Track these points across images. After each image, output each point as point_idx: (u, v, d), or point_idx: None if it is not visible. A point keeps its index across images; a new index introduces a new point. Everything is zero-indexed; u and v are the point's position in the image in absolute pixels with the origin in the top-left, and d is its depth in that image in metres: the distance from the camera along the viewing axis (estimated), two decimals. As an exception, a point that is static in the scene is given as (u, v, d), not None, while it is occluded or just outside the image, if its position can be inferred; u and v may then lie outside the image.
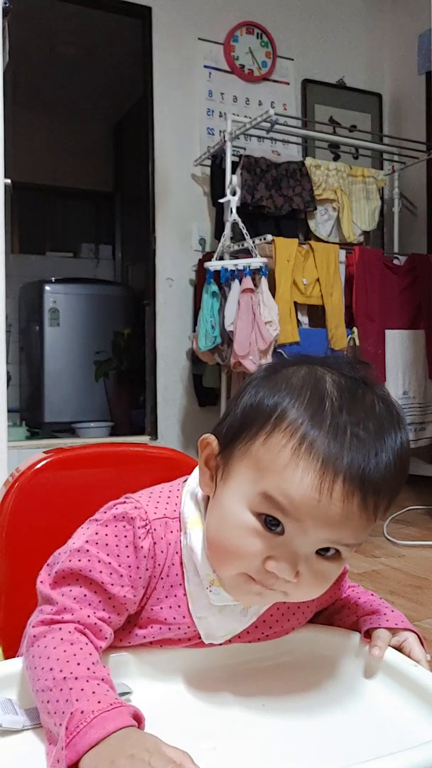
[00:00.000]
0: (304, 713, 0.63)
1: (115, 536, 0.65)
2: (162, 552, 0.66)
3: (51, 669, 0.57)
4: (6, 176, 1.71)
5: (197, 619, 0.67)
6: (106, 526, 0.66)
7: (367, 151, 4.17)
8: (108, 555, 0.64)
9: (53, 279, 4.80)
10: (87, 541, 0.65)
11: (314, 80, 4.24)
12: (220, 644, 0.69)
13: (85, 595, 0.63)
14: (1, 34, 1.80)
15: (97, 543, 0.65)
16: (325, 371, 0.62)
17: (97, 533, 0.65)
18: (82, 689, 0.55)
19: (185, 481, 0.73)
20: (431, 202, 4.13)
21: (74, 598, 0.63)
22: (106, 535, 0.65)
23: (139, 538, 0.65)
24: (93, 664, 0.58)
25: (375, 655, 0.67)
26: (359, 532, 0.59)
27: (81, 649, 0.59)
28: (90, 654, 0.59)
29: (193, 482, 0.70)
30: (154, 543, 0.66)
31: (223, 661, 0.69)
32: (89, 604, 0.63)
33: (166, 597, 0.67)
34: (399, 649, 0.70)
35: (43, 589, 0.65)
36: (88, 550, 0.64)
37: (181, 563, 0.67)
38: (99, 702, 0.53)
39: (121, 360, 4.70)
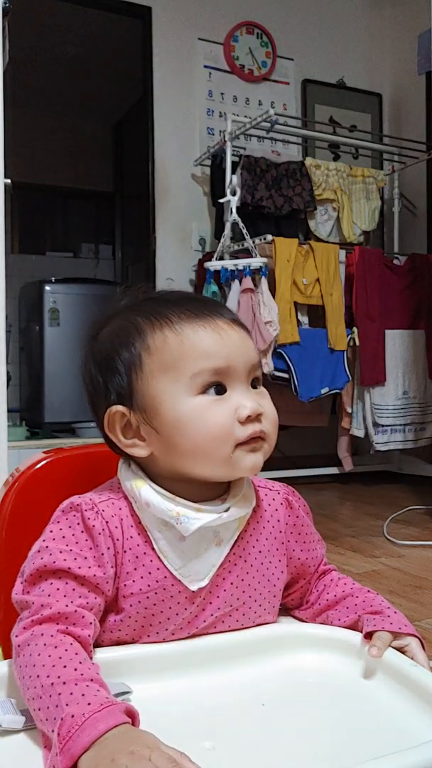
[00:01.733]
0: (303, 713, 0.63)
1: (69, 527, 0.68)
2: (117, 527, 0.68)
3: (38, 676, 0.57)
4: (6, 176, 1.71)
5: (176, 571, 0.68)
6: (58, 522, 0.69)
7: (367, 151, 4.17)
8: (67, 545, 0.66)
9: (53, 279, 4.80)
10: (44, 540, 0.67)
11: (314, 80, 4.24)
12: (206, 586, 0.69)
13: (57, 589, 0.64)
14: (1, 34, 1.80)
15: (53, 539, 0.67)
16: (128, 310, 0.73)
17: (51, 531, 0.68)
18: (71, 693, 0.54)
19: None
20: (431, 202, 4.13)
21: (48, 594, 0.64)
22: (60, 529, 0.68)
23: (89, 519, 0.67)
24: (80, 663, 0.58)
25: (373, 654, 0.67)
26: (254, 354, 0.71)
27: (66, 650, 0.59)
28: (76, 653, 0.59)
29: (123, 464, 0.74)
30: (106, 522, 0.68)
31: (223, 661, 0.69)
32: (64, 595, 0.64)
33: (135, 569, 0.68)
34: (401, 653, 0.70)
35: (17, 598, 0.66)
36: (47, 547, 0.66)
37: (141, 531, 0.69)
38: (89, 704, 0.53)
39: (121, 360, 4.69)
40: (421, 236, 4.12)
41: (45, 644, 0.59)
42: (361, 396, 3.41)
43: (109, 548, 0.67)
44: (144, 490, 0.69)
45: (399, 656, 0.68)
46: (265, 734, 0.59)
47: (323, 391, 3.22)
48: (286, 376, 3.12)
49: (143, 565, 0.68)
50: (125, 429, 0.70)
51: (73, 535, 0.67)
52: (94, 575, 0.66)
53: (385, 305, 3.42)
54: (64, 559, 0.65)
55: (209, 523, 0.68)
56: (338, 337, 3.25)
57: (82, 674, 0.57)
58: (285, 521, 0.76)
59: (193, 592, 0.69)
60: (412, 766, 0.50)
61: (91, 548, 0.67)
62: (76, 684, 0.55)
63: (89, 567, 0.66)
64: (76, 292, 4.75)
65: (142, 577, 0.68)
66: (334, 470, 3.57)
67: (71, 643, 0.60)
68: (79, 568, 0.65)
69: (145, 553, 0.68)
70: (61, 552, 0.66)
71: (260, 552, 0.74)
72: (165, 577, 0.68)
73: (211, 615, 0.71)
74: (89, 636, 0.63)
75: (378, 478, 3.75)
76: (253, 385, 0.70)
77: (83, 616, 0.63)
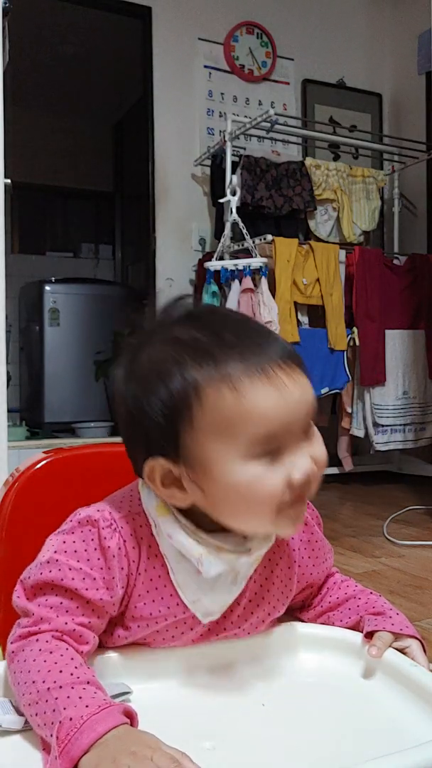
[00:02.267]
0: (303, 713, 0.63)
1: (83, 541, 0.65)
2: (134, 548, 0.66)
3: (34, 682, 0.57)
4: (6, 176, 1.71)
5: (191, 603, 0.66)
6: (72, 533, 0.66)
7: (367, 151, 4.17)
8: (78, 561, 0.64)
9: (53, 279, 4.80)
10: (55, 551, 0.65)
11: (314, 80, 4.25)
12: (216, 620, 0.68)
13: (61, 603, 0.63)
14: (1, 34, 1.80)
15: (65, 551, 0.64)
16: (165, 332, 0.64)
17: (64, 542, 0.65)
18: (68, 696, 0.54)
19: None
20: (431, 202, 4.13)
21: (51, 607, 0.63)
22: (74, 542, 0.65)
23: (105, 538, 0.65)
24: (76, 668, 0.57)
25: (373, 654, 0.67)
26: (312, 399, 0.64)
27: (61, 655, 0.59)
28: (72, 659, 0.59)
29: (144, 487, 0.69)
30: (124, 541, 0.65)
31: (223, 661, 0.69)
32: (66, 611, 0.63)
33: (148, 592, 0.66)
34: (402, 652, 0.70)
35: (19, 603, 0.64)
36: (57, 560, 0.64)
37: (159, 555, 0.66)
38: (87, 706, 0.53)
39: (121, 360, 4.69)
40: (421, 236, 4.12)
41: (40, 650, 0.59)
42: (361, 396, 3.41)
43: (122, 569, 0.65)
44: (168, 522, 0.66)
45: (399, 656, 0.68)
46: (265, 734, 0.59)
47: (323, 391, 3.22)
48: (286, 376, 3.12)
49: (156, 588, 0.66)
50: (165, 476, 0.64)
51: (85, 550, 0.64)
52: (101, 599, 0.64)
53: (385, 305, 3.42)
54: (73, 578, 0.63)
55: (231, 566, 0.66)
56: (338, 337, 3.25)
57: (78, 677, 0.56)
58: (299, 538, 0.75)
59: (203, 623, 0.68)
60: (412, 766, 0.50)
61: (102, 568, 0.64)
62: (72, 687, 0.55)
63: (97, 589, 0.63)
64: (76, 292, 4.75)
65: (153, 601, 0.66)
66: (334, 470, 3.57)
67: (66, 648, 0.60)
68: (87, 589, 0.63)
69: (159, 577, 0.66)
70: (71, 569, 0.63)
71: (276, 578, 0.72)
72: (177, 604, 0.67)
73: (218, 636, 0.70)
74: (84, 652, 0.62)
75: (378, 478, 3.75)
76: (307, 429, 0.65)
77: (81, 635, 0.62)
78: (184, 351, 0.62)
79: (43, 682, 0.56)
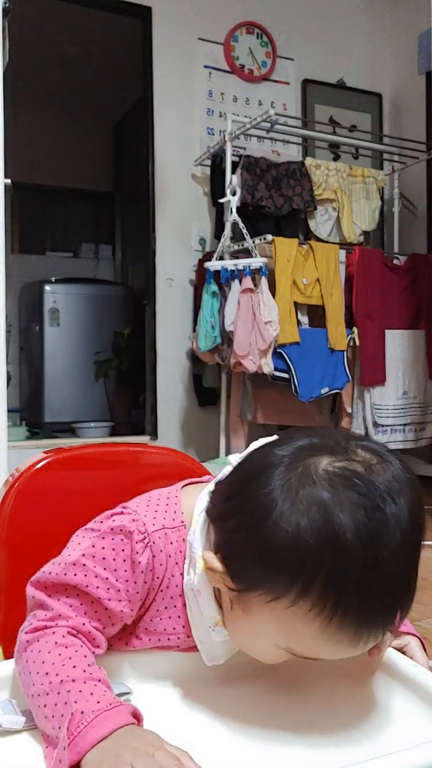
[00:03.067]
0: (303, 713, 0.63)
1: (113, 549, 0.64)
2: (161, 565, 0.65)
3: (47, 673, 0.57)
4: (6, 176, 1.71)
5: (199, 642, 0.66)
6: (103, 538, 0.65)
7: (367, 151, 4.17)
8: (105, 569, 0.63)
9: (53, 279, 4.80)
10: (83, 554, 0.64)
11: (314, 80, 4.24)
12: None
13: (81, 604, 0.63)
14: (1, 34, 1.80)
15: (93, 556, 0.64)
16: (345, 490, 0.55)
17: (93, 546, 0.64)
18: (80, 690, 0.55)
19: (184, 486, 0.71)
20: (431, 202, 4.13)
21: (70, 606, 0.63)
22: (103, 548, 0.64)
23: (137, 553, 0.64)
24: (89, 665, 0.58)
25: (373, 656, 0.67)
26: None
27: (76, 651, 0.59)
28: (85, 656, 0.59)
29: (201, 504, 0.66)
30: (153, 557, 0.65)
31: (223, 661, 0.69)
32: (84, 614, 0.63)
33: (166, 608, 0.67)
34: (400, 653, 0.70)
35: (37, 594, 0.64)
36: (84, 564, 0.63)
37: (181, 574, 0.66)
38: (98, 702, 0.53)
39: (121, 360, 4.70)
40: (421, 236, 4.12)
41: (56, 643, 0.60)
42: (361, 396, 3.41)
43: (146, 583, 0.65)
44: (201, 576, 0.63)
45: (399, 656, 0.68)
46: (265, 734, 0.59)
47: (323, 391, 3.22)
48: (286, 376, 3.12)
49: (175, 606, 0.67)
50: (215, 574, 0.61)
51: (114, 560, 0.64)
52: (121, 611, 0.64)
53: (385, 305, 3.42)
54: (97, 587, 0.63)
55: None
56: (338, 337, 3.25)
57: (90, 674, 0.57)
58: None
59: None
60: (412, 766, 0.50)
61: (128, 581, 0.64)
62: (85, 682, 0.56)
63: (119, 600, 0.63)
64: (76, 292, 4.76)
65: (170, 618, 0.67)
66: (334, 470, 3.57)
67: (81, 645, 0.60)
68: (109, 600, 0.63)
69: (180, 596, 0.66)
70: (96, 576, 0.63)
71: None
72: (183, 626, 0.67)
73: None
74: (93, 653, 0.62)
75: (378, 478, 3.74)
76: None
77: (95, 638, 0.63)
78: (326, 546, 0.53)
79: (57, 674, 0.56)
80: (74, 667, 0.57)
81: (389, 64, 4.45)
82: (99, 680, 0.57)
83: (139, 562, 0.64)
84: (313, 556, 0.53)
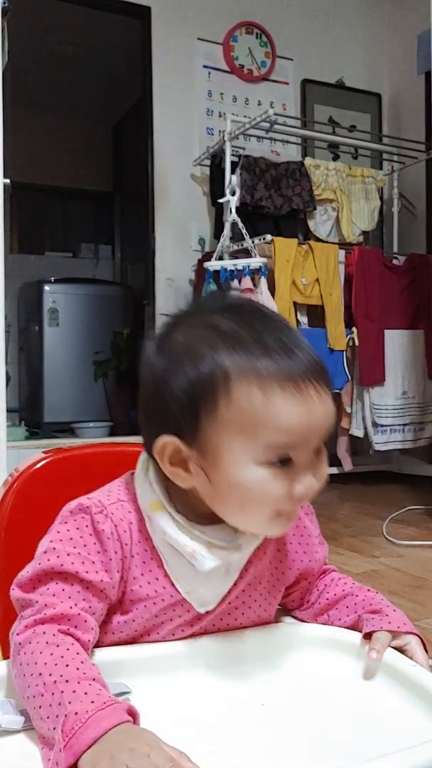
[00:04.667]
0: (303, 713, 0.63)
1: (77, 529, 0.66)
2: (125, 531, 0.67)
3: (40, 674, 0.57)
4: (5, 176, 1.71)
5: (187, 594, 0.68)
6: (66, 522, 0.67)
7: (366, 151, 4.18)
8: (75, 547, 0.65)
9: (52, 279, 4.80)
10: (51, 541, 0.66)
11: (313, 80, 4.25)
12: (215, 609, 0.70)
13: (63, 590, 0.64)
14: (0, 33, 1.80)
15: (61, 540, 0.66)
16: (205, 317, 0.65)
17: (59, 532, 0.67)
18: (74, 691, 0.54)
19: (133, 473, 0.74)
20: (430, 202, 4.13)
21: (53, 594, 0.63)
22: (68, 530, 0.66)
23: (98, 522, 0.66)
24: (82, 663, 0.58)
25: (373, 658, 0.67)
26: (332, 419, 0.65)
27: (68, 650, 0.59)
28: (77, 653, 0.59)
29: (141, 470, 0.71)
30: (115, 525, 0.67)
31: (222, 661, 0.69)
32: (69, 597, 0.64)
33: (142, 574, 0.68)
34: (401, 652, 0.69)
35: (19, 595, 0.65)
36: (54, 548, 0.65)
37: (148, 541, 0.68)
38: (92, 702, 0.53)
39: (120, 360, 4.70)
40: (420, 236, 4.13)
41: (47, 642, 0.59)
42: (360, 396, 3.41)
43: (116, 552, 0.67)
44: (161, 518, 0.67)
45: (399, 656, 0.68)
46: (265, 734, 0.59)
47: (322, 391, 3.22)
48: (285, 376, 3.12)
49: (150, 570, 0.68)
50: (174, 455, 0.65)
51: (81, 537, 0.66)
52: (101, 580, 0.65)
53: (385, 305, 3.42)
54: (72, 562, 0.64)
55: (224, 561, 0.67)
56: (337, 337, 3.25)
57: (84, 673, 0.57)
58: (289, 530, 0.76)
59: (199, 611, 0.69)
60: (412, 766, 0.50)
61: (99, 552, 0.66)
62: (78, 683, 0.55)
63: (96, 572, 0.65)
64: (75, 292, 4.76)
65: (149, 583, 0.68)
66: (333, 470, 3.57)
67: (72, 643, 0.60)
68: (87, 572, 0.64)
69: (152, 559, 0.68)
70: (68, 554, 0.65)
71: (267, 567, 0.74)
72: (164, 587, 0.68)
73: (213, 625, 0.71)
74: (89, 641, 0.63)
75: (377, 478, 3.75)
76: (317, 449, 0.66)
77: (85, 620, 0.63)
78: (219, 338, 0.62)
79: (50, 675, 0.56)
80: (67, 665, 0.57)
81: (388, 65, 4.46)
82: (93, 679, 0.57)
83: (103, 530, 0.66)
84: (206, 348, 0.62)
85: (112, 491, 0.71)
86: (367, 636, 0.70)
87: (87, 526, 0.66)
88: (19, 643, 0.61)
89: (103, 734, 0.50)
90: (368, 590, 0.77)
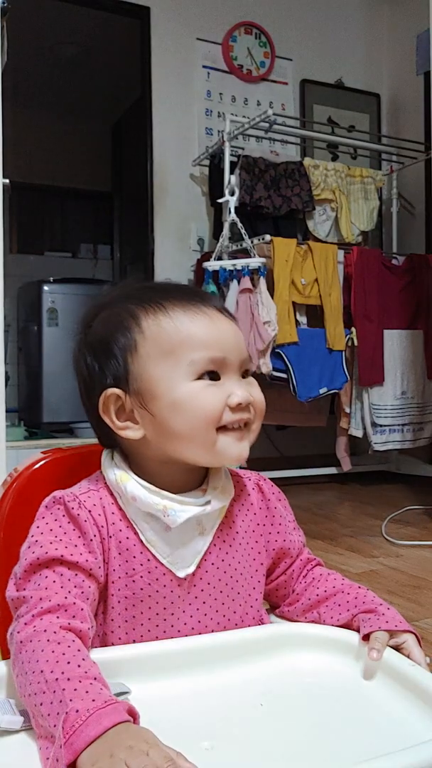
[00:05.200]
0: (302, 713, 0.63)
1: (55, 520, 0.69)
2: (100, 515, 0.71)
3: (41, 671, 0.57)
4: (4, 176, 1.71)
5: (165, 559, 0.71)
6: (43, 517, 0.70)
7: (365, 152, 4.18)
8: (56, 536, 0.68)
9: (51, 279, 4.79)
10: (32, 536, 0.69)
11: (313, 80, 4.25)
12: (194, 573, 0.72)
13: (54, 581, 0.65)
14: (0, 33, 1.80)
15: (42, 533, 0.69)
16: (121, 298, 0.75)
17: (38, 526, 0.70)
18: (75, 689, 0.55)
19: (101, 472, 0.77)
20: (429, 203, 4.13)
21: (45, 587, 0.65)
22: (47, 523, 0.69)
23: (73, 509, 0.69)
24: (83, 660, 0.58)
25: (374, 658, 0.67)
26: (244, 347, 0.74)
27: (69, 647, 0.59)
28: (79, 650, 0.59)
29: (106, 458, 0.76)
30: (89, 511, 0.70)
31: (221, 661, 0.69)
32: (61, 586, 0.65)
33: (120, 554, 0.71)
34: (398, 650, 0.70)
35: (12, 594, 0.66)
36: (36, 541, 0.68)
37: (126, 522, 0.71)
38: (93, 700, 0.53)
39: (119, 360, 4.69)
40: (419, 236, 4.13)
41: (48, 640, 0.60)
42: (359, 396, 3.41)
43: (95, 535, 0.69)
44: (130, 484, 0.71)
45: (398, 656, 0.68)
46: (264, 734, 0.59)
47: (321, 391, 3.22)
48: (284, 376, 3.12)
49: (127, 549, 0.71)
50: (119, 412, 0.72)
51: (60, 526, 0.69)
52: (87, 560, 0.67)
53: (384, 305, 3.42)
54: (56, 549, 0.67)
55: (195, 514, 0.71)
56: (337, 337, 3.25)
57: (86, 672, 0.57)
58: (258, 505, 0.80)
59: (181, 578, 0.71)
60: (411, 766, 0.50)
61: (79, 536, 0.69)
62: (80, 681, 0.56)
63: (81, 554, 0.67)
64: (74, 292, 4.75)
65: (127, 561, 0.70)
66: (332, 470, 3.57)
67: (73, 640, 0.61)
68: (71, 555, 0.67)
69: (128, 538, 0.71)
70: (51, 543, 0.67)
71: (242, 537, 0.77)
72: (156, 567, 0.70)
73: (199, 599, 0.73)
74: (89, 629, 0.64)
75: (376, 478, 3.75)
76: (244, 376, 0.73)
77: (82, 609, 0.64)
78: (130, 302, 0.73)
79: (51, 672, 0.57)
80: (68, 663, 0.57)
81: (387, 65, 4.46)
82: (94, 678, 0.57)
83: (79, 514, 0.69)
84: (123, 309, 0.73)
85: (81, 485, 0.75)
86: (366, 637, 0.70)
87: (63, 515, 0.70)
88: (21, 642, 0.61)
89: (104, 732, 0.51)
90: (359, 587, 0.78)
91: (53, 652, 0.58)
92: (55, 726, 0.53)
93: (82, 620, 0.63)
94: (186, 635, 0.72)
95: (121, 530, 0.71)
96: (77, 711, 0.52)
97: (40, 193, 5.60)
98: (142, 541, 0.71)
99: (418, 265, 3.56)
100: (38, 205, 5.70)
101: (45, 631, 0.61)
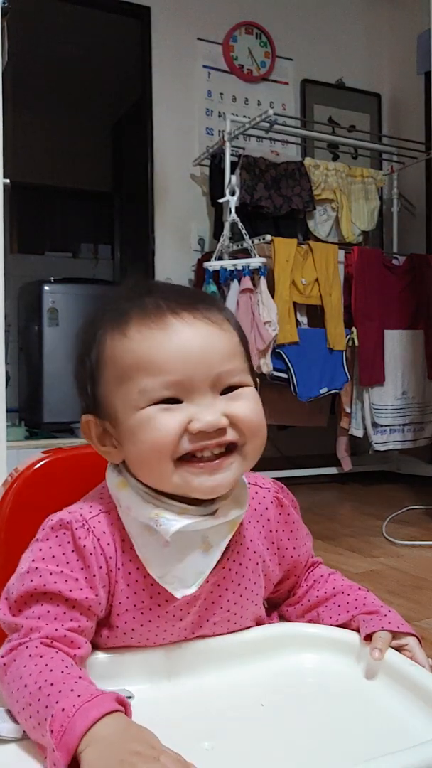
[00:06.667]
0: (303, 713, 0.63)
1: (59, 546, 0.64)
2: (109, 545, 0.65)
3: (26, 686, 0.56)
4: (5, 176, 1.71)
5: (161, 579, 0.65)
6: (47, 539, 0.65)
7: (366, 152, 4.17)
8: (57, 566, 0.63)
9: (52, 279, 4.79)
10: (33, 560, 0.64)
11: (313, 80, 4.24)
12: (199, 594, 0.66)
13: (48, 612, 0.62)
14: (0, 33, 1.80)
15: (43, 559, 0.64)
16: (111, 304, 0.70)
17: (40, 550, 0.65)
18: (60, 691, 0.54)
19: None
20: (430, 202, 4.13)
21: (39, 617, 0.62)
22: (50, 548, 0.64)
23: (80, 538, 0.64)
24: (66, 667, 0.57)
25: (376, 657, 0.67)
26: (231, 352, 0.64)
27: (51, 658, 0.58)
28: (62, 660, 0.58)
29: (110, 466, 0.71)
30: (98, 539, 0.65)
31: (222, 662, 0.69)
32: (55, 619, 0.62)
33: (128, 585, 0.66)
34: (400, 652, 0.70)
35: (5, 618, 0.64)
36: (37, 568, 0.63)
37: (133, 550, 0.66)
38: (79, 696, 0.53)
39: (120, 360, 4.69)
40: (419, 236, 4.12)
41: (30, 655, 0.59)
42: (360, 396, 3.41)
43: (101, 567, 0.65)
44: (125, 492, 0.66)
45: (399, 656, 0.68)
46: (265, 734, 0.59)
47: (322, 391, 3.22)
48: (285, 376, 3.12)
49: (136, 581, 0.66)
50: (102, 436, 0.67)
51: (63, 554, 0.64)
52: (86, 598, 0.63)
53: (384, 305, 3.42)
54: (55, 582, 0.62)
55: (193, 525, 0.63)
56: (337, 337, 3.25)
57: (69, 674, 0.56)
58: (276, 519, 0.74)
59: (181, 600, 0.66)
60: (411, 766, 0.50)
61: (82, 569, 0.64)
62: (64, 683, 0.55)
63: (81, 589, 0.63)
64: (75, 292, 4.75)
65: (135, 594, 0.66)
66: (332, 470, 3.57)
67: (56, 652, 0.59)
68: (71, 591, 0.63)
69: (138, 569, 0.66)
70: (51, 574, 0.63)
71: (254, 552, 0.72)
72: (152, 585, 0.66)
73: (207, 620, 0.69)
74: (76, 656, 0.61)
75: (377, 478, 3.75)
76: (229, 390, 0.64)
77: (73, 640, 0.62)
78: (102, 319, 0.66)
79: (35, 683, 0.55)
80: (51, 671, 0.56)
81: (388, 65, 4.45)
82: (79, 677, 0.56)
83: (85, 545, 0.64)
84: (93, 327, 0.67)
85: (94, 501, 0.69)
86: (368, 637, 0.70)
87: (68, 542, 0.64)
88: (4, 664, 0.60)
89: (93, 724, 0.50)
90: (359, 589, 0.77)
91: (36, 665, 0.57)
92: (44, 735, 0.52)
93: (73, 648, 0.61)
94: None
95: (131, 560, 0.66)
96: (63, 709, 0.51)
97: (40, 193, 5.60)
98: (145, 571, 0.66)
99: (419, 265, 3.56)
100: (39, 205, 5.70)
101: (27, 648, 0.59)
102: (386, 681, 0.66)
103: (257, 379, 0.70)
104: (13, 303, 4.93)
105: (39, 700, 0.54)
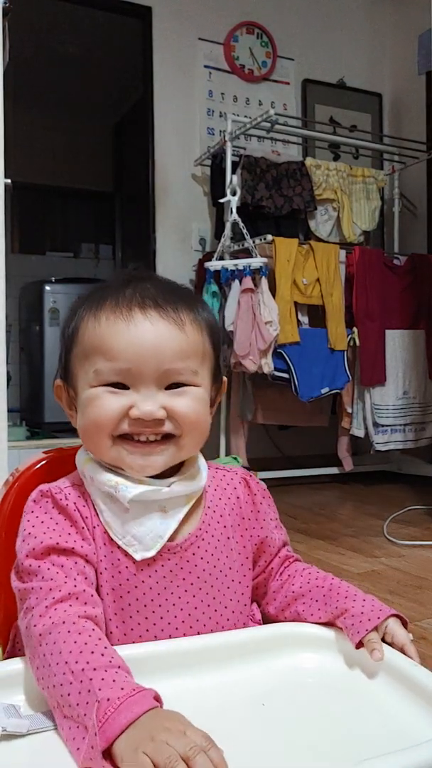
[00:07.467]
0: (303, 713, 0.63)
1: (44, 513, 0.71)
2: (84, 506, 0.72)
3: (66, 662, 0.58)
4: (6, 176, 1.71)
5: (123, 544, 0.70)
6: (32, 512, 0.71)
7: (367, 151, 4.17)
8: (48, 527, 0.69)
9: (53, 279, 4.80)
10: (25, 530, 0.70)
11: (314, 80, 4.24)
12: (154, 557, 0.71)
13: (57, 572, 0.66)
14: (1, 33, 1.80)
15: (33, 526, 0.70)
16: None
17: (29, 520, 0.71)
18: (103, 679, 0.56)
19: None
20: (431, 202, 4.13)
21: (51, 578, 0.66)
22: (37, 517, 0.70)
23: (61, 500, 0.71)
24: (105, 649, 0.60)
25: (377, 658, 0.67)
26: (186, 352, 0.70)
27: (89, 636, 0.61)
28: (99, 639, 0.61)
29: (79, 452, 0.78)
30: (74, 503, 0.72)
31: (222, 661, 0.69)
32: (66, 576, 0.66)
33: (104, 544, 0.71)
34: (383, 637, 0.70)
35: (19, 586, 0.68)
36: (30, 533, 0.69)
37: (93, 511, 0.72)
38: (122, 689, 0.55)
39: (121, 360, 4.69)
40: (421, 236, 4.12)
41: (69, 631, 0.61)
42: (361, 396, 3.41)
43: (83, 525, 0.70)
44: (89, 465, 0.73)
45: (399, 656, 0.68)
46: (265, 734, 0.59)
47: (323, 391, 3.22)
48: (286, 376, 3.12)
49: (103, 533, 0.71)
50: (69, 401, 0.75)
51: (51, 517, 0.70)
52: (82, 547, 0.69)
53: (385, 305, 3.42)
54: (50, 537, 0.68)
55: (149, 494, 0.70)
56: (338, 337, 3.25)
57: (110, 661, 0.59)
58: (244, 499, 0.80)
59: (140, 562, 0.70)
60: (411, 765, 0.50)
61: (71, 525, 0.70)
62: (106, 671, 0.57)
63: (75, 540, 0.69)
64: (76, 292, 4.69)
65: (112, 552, 0.71)
66: (334, 470, 3.57)
67: (93, 629, 0.62)
68: (67, 542, 0.68)
69: (100, 525, 0.71)
70: (44, 533, 0.68)
71: (226, 528, 0.77)
72: (112, 551, 0.71)
73: (181, 588, 0.72)
74: (101, 613, 0.66)
75: (378, 478, 3.75)
76: (175, 386, 0.70)
77: (92, 594, 0.66)
78: (86, 298, 0.73)
79: (76, 662, 0.58)
80: (92, 653, 0.59)
81: (389, 64, 4.45)
82: (119, 667, 0.58)
83: (67, 505, 0.71)
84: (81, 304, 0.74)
85: (65, 480, 0.76)
86: (359, 644, 0.70)
87: (52, 507, 0.71)
88: (40, 634, 0.62)
89: (136, 719, 0.52)
90: (332, 579, 0.79)
91: (75, 642, 0.60)
92: (85, 715, 0.54)
93: (94, 605, 0.65)
94: (176, 628, 0.72)
95: (100, 524, 0.72)
96: (108, 699, 0.54)
97: (41, 193, 5.60)
98: (103, 527, 0.71)
99: (420, 265, 3.56)
100: (40, 205, 5.71)
101: (64, 622, 0.62)
102: (386, 681, 0.66)
103: (224, 380, 0.79)
104: (14, 303, 4.94)
105: (81, 681, 0.57)
